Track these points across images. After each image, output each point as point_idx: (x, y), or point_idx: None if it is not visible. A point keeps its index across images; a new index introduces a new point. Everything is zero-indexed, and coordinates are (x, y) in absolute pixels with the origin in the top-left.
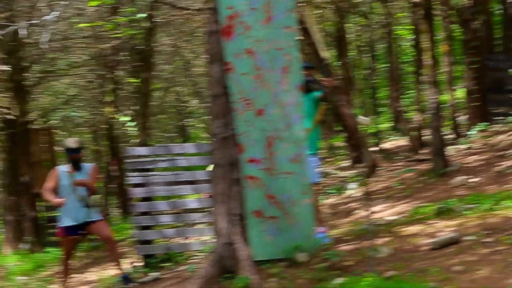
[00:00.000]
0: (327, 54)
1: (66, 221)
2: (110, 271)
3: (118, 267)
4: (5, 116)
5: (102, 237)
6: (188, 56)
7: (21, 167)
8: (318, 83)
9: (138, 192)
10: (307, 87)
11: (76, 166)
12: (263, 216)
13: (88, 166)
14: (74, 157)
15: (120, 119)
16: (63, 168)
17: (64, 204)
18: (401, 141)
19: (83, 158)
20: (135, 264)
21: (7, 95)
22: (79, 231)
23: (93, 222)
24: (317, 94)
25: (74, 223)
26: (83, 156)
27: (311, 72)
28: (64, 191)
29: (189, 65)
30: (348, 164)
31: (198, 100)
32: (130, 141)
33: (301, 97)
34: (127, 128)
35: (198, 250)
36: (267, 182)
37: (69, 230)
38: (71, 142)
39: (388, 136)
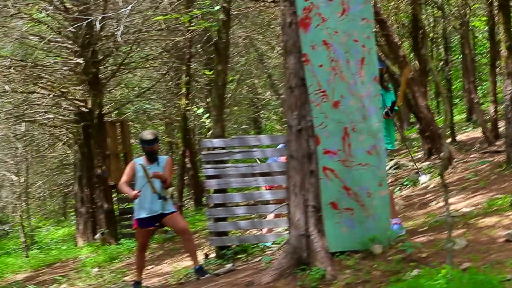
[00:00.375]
0: (401, 100)
1: (141, 213)
2: (185, 263)
3: (193, 258)
4: (80, 108)
5: (176, 229)
6: (262, 48)
7: (96, 159)
8: (389, 80)
9: (212, 184)
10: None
11: (152, 158)
12: (338, 208)
13: (163, 158)
14: (150, 149)
15: (195, 111)
16: (140, 161)
17: (139, 196)
18: (476, 133)
19: (158, 151)
20: (209, 255)
21: (82, 88)
22: (154, 223)
23: (168, 214)
24: (388, 94)
25: (149, 215)
26: (159, 148)
27: (381, 70)
28: (140, 183)
29: (264, 57)
30: (422, 155)
31: (272, 92)
32: (208, 133)
33: (377, 89)
34: (201, 120)
35: (273, 241)
36: (343, 174)
37: (144, 222)
38: (147, 134)
39: (463, 128)
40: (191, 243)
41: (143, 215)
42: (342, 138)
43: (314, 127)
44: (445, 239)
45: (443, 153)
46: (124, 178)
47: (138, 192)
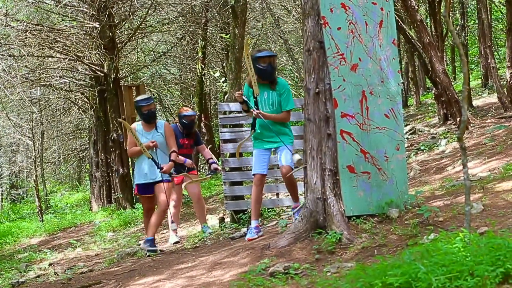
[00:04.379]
0: (257, 90)
1: (139, 179)
2: (199, 227)
3: (151, 230)
4: (95, 73)
5: (157, 198)
6: (278, 13)
7: (112, 123)
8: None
9: (229, 148)
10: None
11: (150, 119)
12: (355, 172)
13: (161, 123)
14: (148, 108)
15: (212, 75)
16: (139, 125)
17: (156, 146)
18: (492, 99)
19: (156, 115)
20: (225, 219)
21: (98, 52)
22: (152, 190)
23: (160, 182)
24: (282, 82)
25: (146, 182)
26: (155, 110)
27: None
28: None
29: (280, 22)
30: (438, 121)
31: (288, 57)
32: (224, 97)
33: (396, 52)
34: (218, 84)
35: (289, 206)
36: (361, 137)
37: (142, 188)
38: (141, 97)
39: (479, 93)
40: (161, 218)
41: (140, 181)
42: (360, 101)
43: (332, 90)
44: (461, 203)
45: (462, 116)
46: (129, 146)
47: (152, 143)
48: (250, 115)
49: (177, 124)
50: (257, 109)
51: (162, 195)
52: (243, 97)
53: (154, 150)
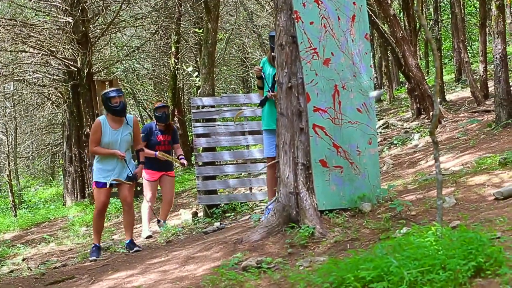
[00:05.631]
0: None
1: (106, 177)
2: (173, 221)
3: (128, 231)
4: (69, 67)
5: (121, 197)
6: (252, 7)
7: (85, 118)
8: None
9: (202, 142)
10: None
11: (120, 114)
12: (328, 166)
13: (130, 118)
14: (120, 100)
15: (185, 69)
16: (104, 121)
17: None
18: (465, 93)
19: (125, 109)
20: (198, 214)
21: (71, 47)
22: (112, 185)
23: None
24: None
25: (113, 179)
26: (125, 103)
27: None
28: (105, 145)
29: (253, 16)
30: (412, 115)
31: (261, 52)
32: (197, 92)
33: (368, 46)
34: (191, 79)
35: (262, 200)
36: (333, 132)
37: (104, 183)
38: (111, 89)
39: (452, 88)
40: (130, 217)
41: (109, 179)
42: (332, 95)
43: (305, 84)
44: (434, 197)
45: (434, 110)
46: (94, 144)
47: (121, 157)
48: (261, 93)
49: (154, 121)
50: (273, 91)
51: (125, 192)
52: (262, 73)
53: (125, 160)
